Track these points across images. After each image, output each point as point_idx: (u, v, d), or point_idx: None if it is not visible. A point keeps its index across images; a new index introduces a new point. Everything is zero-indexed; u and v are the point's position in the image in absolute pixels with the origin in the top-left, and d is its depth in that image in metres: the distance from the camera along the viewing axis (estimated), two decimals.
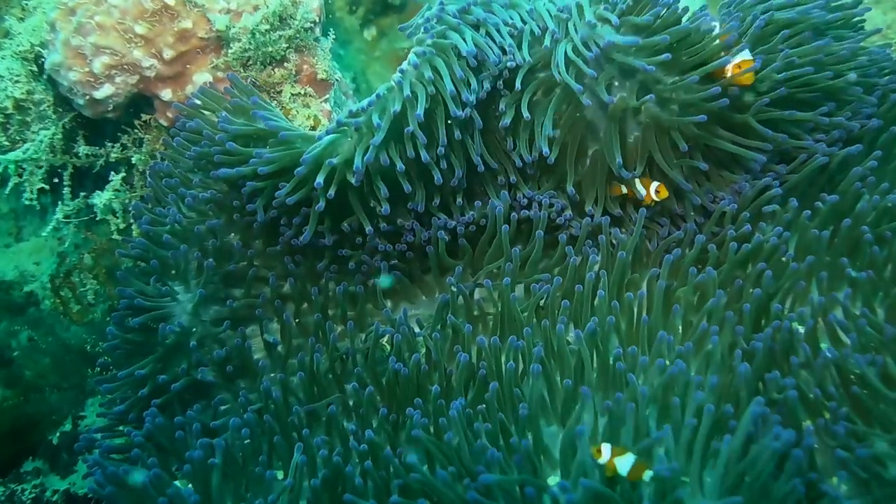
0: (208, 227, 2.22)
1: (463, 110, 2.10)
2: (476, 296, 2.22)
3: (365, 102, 2.11)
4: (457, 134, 2.14)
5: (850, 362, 1.72)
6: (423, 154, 2.07)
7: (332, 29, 2.74)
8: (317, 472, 1.77)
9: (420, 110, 2.02)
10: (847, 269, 1.93)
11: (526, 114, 2.17)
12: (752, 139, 2.12)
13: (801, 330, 1.84)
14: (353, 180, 2.05)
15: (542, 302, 2.09)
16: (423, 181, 2.20)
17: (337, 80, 2.79)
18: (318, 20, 2.64)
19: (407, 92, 2.03)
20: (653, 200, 2.16)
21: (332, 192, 2.07)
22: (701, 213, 2.24)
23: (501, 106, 2.24)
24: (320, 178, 2.04)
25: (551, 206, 2.29)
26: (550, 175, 2.33)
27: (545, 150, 2.17)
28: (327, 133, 2.09)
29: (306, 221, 2.17)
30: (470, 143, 2.21)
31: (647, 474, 1.51)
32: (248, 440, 1.93)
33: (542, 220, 2.25)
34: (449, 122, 2.12)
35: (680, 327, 1.98)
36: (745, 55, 1.98)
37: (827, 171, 2.16)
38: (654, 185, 2.15)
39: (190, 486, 1.80)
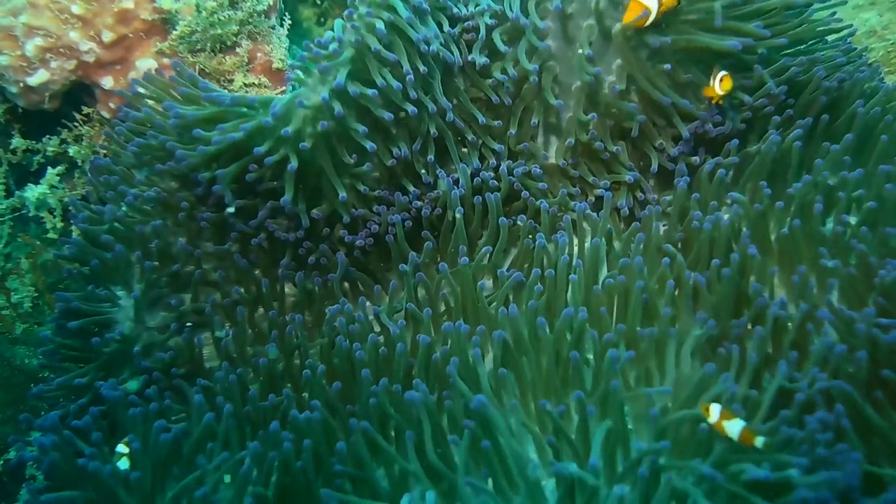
0: (152, 227, 2.04)
1: (429, 47, 2.02)
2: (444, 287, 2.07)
3: (321, 39, 2.02)
4: (422, 68, 2.03)
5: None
6: (394, 82, 1.97)
7: (287, 15, 2.60)
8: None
9: (381, 24, 1.95)
10: (824, 258, 1.81)
11: (502, 46, 2.15)
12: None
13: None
14: (322, 126, 1.94)
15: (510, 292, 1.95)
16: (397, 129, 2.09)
17: None
18: (272, 5, 2.49)
19: (367, 16, 1.96)
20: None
21: (307, 143, 1.95)
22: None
23: (470, 55, 2.18)
24: (289, 128, 1.92)
25: (511, 171, 2.20)
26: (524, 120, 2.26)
27: (529, 66, 2.12)
28: (290, 67, 2.06)
29: (270, 214, 2.06)
30: (437, 88, 2.12)
31: (760, 440, 1.40)
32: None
33: (496, 208, 2.10)
34: (411, 53, 2.02)
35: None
36: None
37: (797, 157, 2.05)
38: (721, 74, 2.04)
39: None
